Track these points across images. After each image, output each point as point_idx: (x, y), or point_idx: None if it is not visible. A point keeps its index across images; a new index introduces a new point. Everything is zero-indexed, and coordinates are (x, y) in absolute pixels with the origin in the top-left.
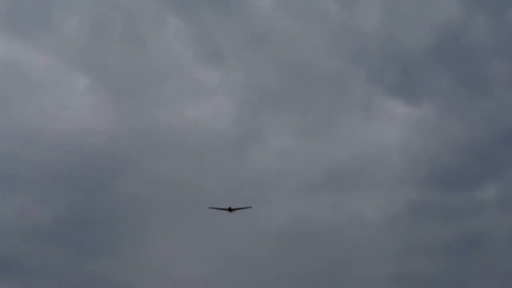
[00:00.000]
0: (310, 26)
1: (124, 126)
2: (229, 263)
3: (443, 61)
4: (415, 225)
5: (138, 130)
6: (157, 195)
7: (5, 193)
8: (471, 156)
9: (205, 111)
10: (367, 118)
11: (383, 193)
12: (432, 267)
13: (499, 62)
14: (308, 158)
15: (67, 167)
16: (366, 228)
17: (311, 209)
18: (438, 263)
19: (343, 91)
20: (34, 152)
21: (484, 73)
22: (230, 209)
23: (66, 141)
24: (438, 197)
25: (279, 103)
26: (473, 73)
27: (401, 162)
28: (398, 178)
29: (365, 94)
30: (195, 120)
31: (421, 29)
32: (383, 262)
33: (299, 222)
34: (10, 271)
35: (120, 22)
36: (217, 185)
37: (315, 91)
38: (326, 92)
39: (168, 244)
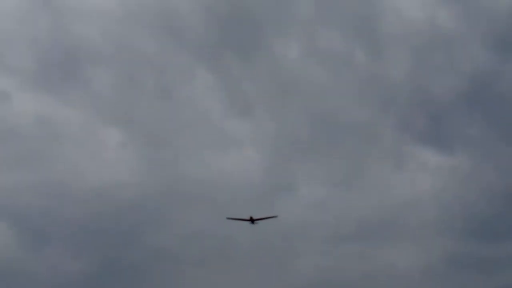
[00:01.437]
0: (338, 75)
1: (154, 179)
2: None
3: (475, 108)
4: (450, 277)
5: (167, 182)
6: (185, 247)
7: (37, 248)
8: (508, 204)
9: (234, 163)
10: (398, 167)
11: (415, 243)
12: None
13: None
14: (338, 208)
15: (98, 221)
16: (398, 279)
17: (341, 260)
18: None
19: (373, 140)
20: (65, 207)
21: None
22: (252, 220)
23: (96, 196)
24: (474, 248)
25: (308, 153)
26: (506, 119)
27: (435, 212)
28: (432, 228)
29: (396, 143)
30: (224, 172)
31: (450, 76)
32: None
33: (329, 273)
34: None
35: (150, 76)
36: (246, 237)
37: (345, 141)
38: (355, 141)
39: None
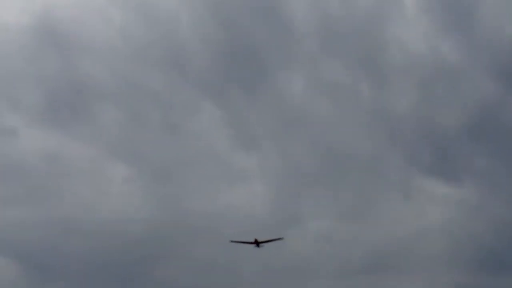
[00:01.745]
0: (343, 107)
1: (161, 213)
2: None
3: (481, 139)
4: None
5: (175, 216)
6: (193, 280)
7: (44, 282)
8: None
9: (241, 196)
10: (406, 199)
11: (424, 275)
12: None
13: None
14: (346, 240)
15: (105, 255)
16: None
17: None
18: None
19: (380, 172)
20: (72, 242)
21: None
22: (256, 243)
23: (103, 230)
24: (483, 281)
25: (315, 185)
26: None
27: (443, 244)
28: (440, 259)
29: (403, 175)
30: (231, 205)
31: (456, 108)
32: None
33: None
34: None
35: (157, 111)
36: (253, 269)
37: (352, 173)
38: (362, 173)
39: None
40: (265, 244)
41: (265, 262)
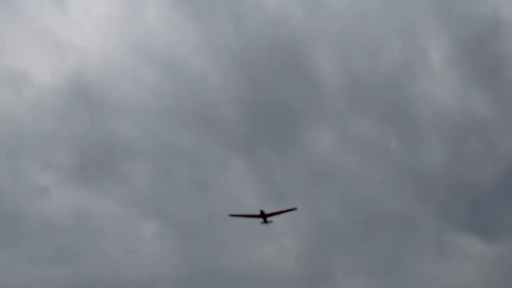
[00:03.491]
0: (372, 163)
1: (190, 271)
2: None
3: None
4: None
5: (204, 274)
6: None
7: None
8: None
9: (271, 253)
10: (440, 256)
11: None
12: None
13: None
14: None
15: None
16: None
17: None
18: None
19: (412, 228)
20: None
21: None
22: (263, 216)
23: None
24: None
25: (346, 242)
26: None
27: None
28: None
29: (436, 231)
30: (261, 263)
31: (488, 162)
32: None
33: None
34: None
35: (186, 169)
36: None
37: (383, 230)
38: (394, 230)
39: None
40: (273, 218)
41: None
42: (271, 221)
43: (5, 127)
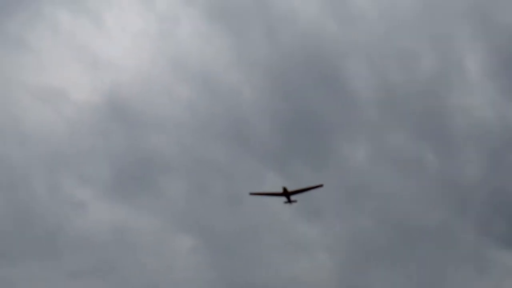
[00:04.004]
0: (408, 177)
1: (224, 284)
2: None
3: None
4: None
5: (238, 287)
6: None
7: None
8: None
9: (306, 268)
10: (480, 272)
11: None
12: None
13: None
14: None
15: None
16: None
17: None
18: None
19: (451, 244)
20: None
21: None
22: (286, 193)
23: None
24: None
25: (383, 258)
26: None
27: None
28: None
29: (476, 246)
30: (296, 278)
31: None
32: None
33: None
34: None
35: (220, 182)
36: None
37: (420, 245)
38: (432, 245)
39: None
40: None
41: None
42: (295, 201)
43: (44, 144)
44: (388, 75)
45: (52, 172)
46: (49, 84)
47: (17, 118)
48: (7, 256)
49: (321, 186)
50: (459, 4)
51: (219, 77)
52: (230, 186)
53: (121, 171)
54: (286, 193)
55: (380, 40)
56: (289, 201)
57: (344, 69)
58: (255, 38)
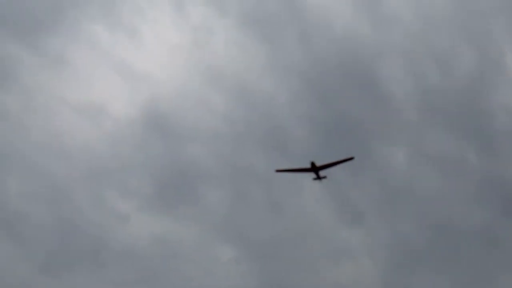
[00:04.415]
0: (450, 178)
1: None
2: None
3: None
4: None
5: None
6: None
7: None
8: None
9: (348, 274)
10: None
11: None
12: None
13: None
14: None
15: None
16: None
17: None
18: None
19: (496, 245)
20: None
21: None
22: (314, 168)
23: None
24: None
25: (426, 261)
26: None
27: None
28: None
29: None
30: (339, 284)
31: None
32: None
33: None
34: None
35: (259, 190)
36: None
37: (465, 247)
38: (477, 247)
39: None
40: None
41: None
42: (324, 177)
43: (86, 158)
44: (426, 76)
45: (94, 186)
46: (90, 99)
47: (58, 134)
48: (53, 269)
49: (352, 158)
50: None
51: (254, 85)
52: (270, 193)
53: (161, 183)
54: (315, 168)
55: (416, 41)
56: (318, 177)
57: (380, 71)
58: (288, 43)
